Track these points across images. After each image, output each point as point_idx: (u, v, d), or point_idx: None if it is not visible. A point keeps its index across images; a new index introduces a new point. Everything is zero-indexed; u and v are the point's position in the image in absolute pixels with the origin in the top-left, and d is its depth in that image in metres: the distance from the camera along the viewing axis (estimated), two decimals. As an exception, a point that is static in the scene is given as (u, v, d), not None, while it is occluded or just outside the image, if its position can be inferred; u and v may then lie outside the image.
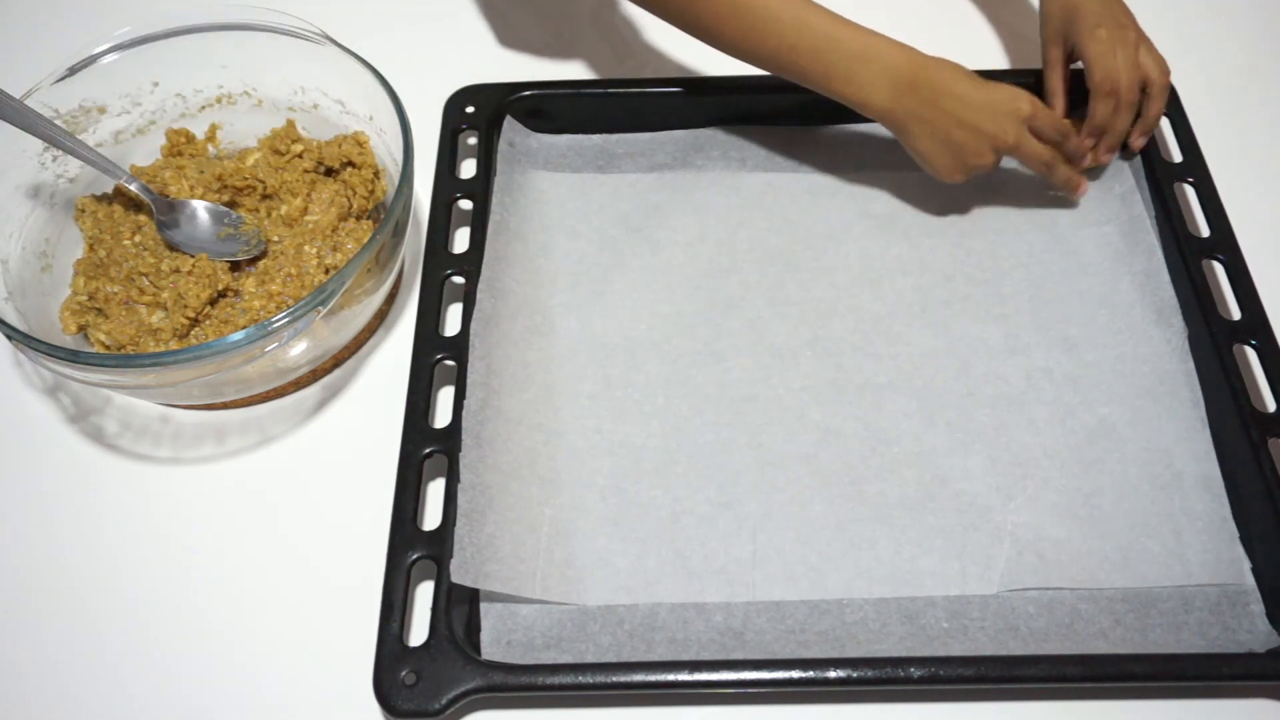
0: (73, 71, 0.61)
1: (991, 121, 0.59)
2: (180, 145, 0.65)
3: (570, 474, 0.55)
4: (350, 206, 0.62)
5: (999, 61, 0.74)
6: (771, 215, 0.65)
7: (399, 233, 0.57)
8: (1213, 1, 0.79)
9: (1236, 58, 0.75)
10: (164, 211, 0.60)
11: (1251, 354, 0.57)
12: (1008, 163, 0.67)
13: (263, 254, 0.60)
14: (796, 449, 0.56)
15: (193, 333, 0.57)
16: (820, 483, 0.55)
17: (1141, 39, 0.63)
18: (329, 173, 0.63)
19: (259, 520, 0.55)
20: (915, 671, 0.46)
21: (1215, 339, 0.57)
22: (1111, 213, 0.65)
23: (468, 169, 0.66)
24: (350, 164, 0.63)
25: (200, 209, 0.60)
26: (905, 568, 0.52)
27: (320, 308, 0.52)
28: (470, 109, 0.67)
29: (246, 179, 0.61)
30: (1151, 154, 0.64)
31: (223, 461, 0.57)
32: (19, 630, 0.52)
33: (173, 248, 0.59)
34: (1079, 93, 0.65)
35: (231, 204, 0.62)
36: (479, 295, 0.58)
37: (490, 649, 0.49)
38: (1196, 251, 0.60)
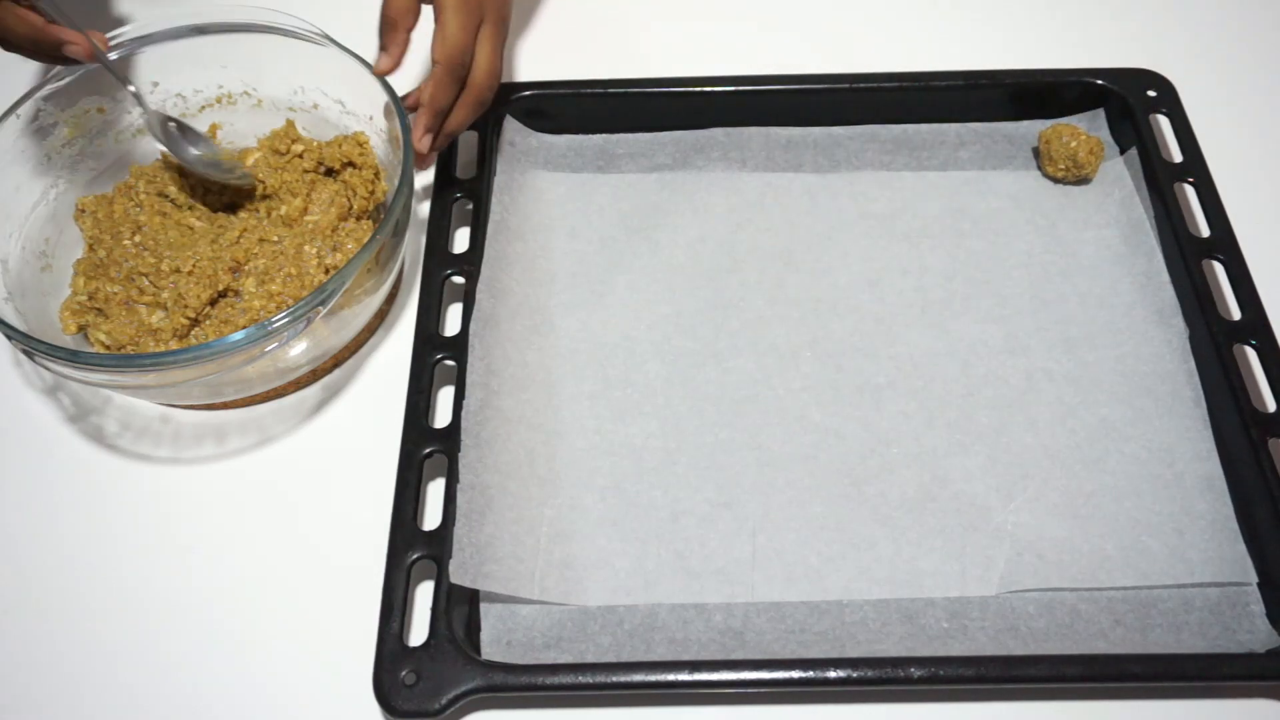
0: (73, 72, 0.61)
1: None
2: (180, 145, 0.65)
3: (570, 474, 0.55)
4: (350, 206, 0.62)
5: (993, 61, 0.73)
6: (771, 215, 0.65)
7: (399, 233, 0.57)
8: (1213, 1, 0.79)
9: (1236, 58, 0.75)
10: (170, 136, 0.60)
11: (1252, 354, 0.57)
12: (1010, 164, 0.67)
13: (250, 187, 0.61)
14: (796, 449, 0.56)
15: (193, 333, 0.57)
16: (820, 483, 0.55)
17: (493, 30, 0.60)
18: (329, 173, 0.63)
19: (258, 520, 0.55)
20: (915, 671, 0.46)
21: (1215, 339, 0.57)
22: (1111, 217, 0.65)
23: (468, 169, 0.66)
24: (351, 164, 0.63)
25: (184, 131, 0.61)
26: (905, 568, 0.52)
27: (320, 308, 0.52)
28: (470, 109, 0.67)
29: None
30: (1151, 154, 0.64)
31: (223, 461, 0.57)
32: (19, 629, 0.52)
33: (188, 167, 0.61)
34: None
35: (231, 204, 0.62)
36: (479, 295, 0.58)
37: (490, 649, 0.49)
38: (1196, 251, 0.60)
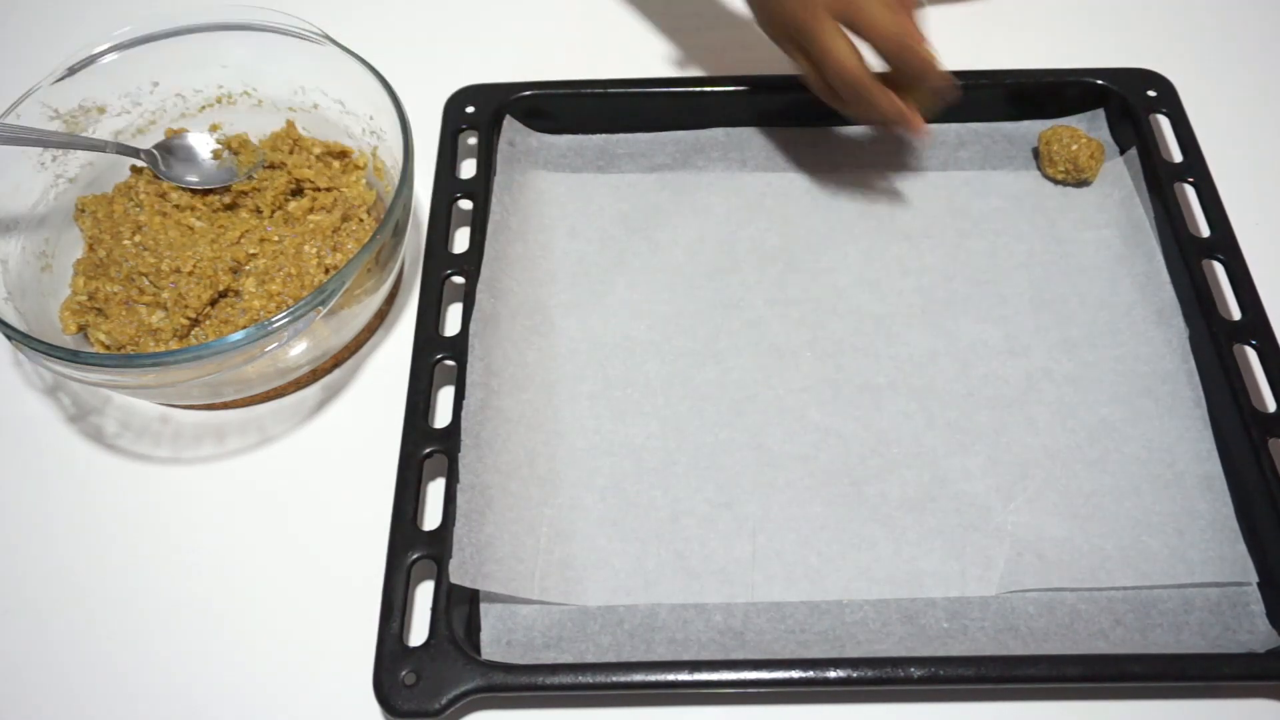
0: (72, 71, 0.61)
1: None
2: (180, 145, 0.65)
3: (570, 474, 0.55)
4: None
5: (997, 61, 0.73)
6: (771, 216, 0.65)
7: (399, 233, 0.57)
8: (1213, 1, 0.79)
9: (1236, 58, 0.75)
10: (166, 161, 0.61)
11: (1252, 354, 0.57)
12: (1010, 164, 0.67)
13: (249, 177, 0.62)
14: (796, 449, 0.56)
15: (193, 333, 0.57)
16: (820, 483, 0.55)
17: None
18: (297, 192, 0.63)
19: (259, 520, 0.55)
20: (915, 671, 0.46)
21: (1216, 339, 0.57)
22: (1111, 217, 0.65)
23: (468, 169, 0.66)
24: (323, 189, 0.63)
25: (190, 140, 0.62)
26: (905, 568, 0.52)
27: (320, 308, 0.52)
28: (470, 109, 0.67)
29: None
30: (1151, 154, 0.64)
31: (223, 461, 0.57)
32: (19, 629, 0.52)
33: (178, 185, 0.61)
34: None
35: (233, 205, 0.62)
36: (479, 295, 0.58)
37: (490, 649, 0.49)
38: (1196, 251, 0.60)
